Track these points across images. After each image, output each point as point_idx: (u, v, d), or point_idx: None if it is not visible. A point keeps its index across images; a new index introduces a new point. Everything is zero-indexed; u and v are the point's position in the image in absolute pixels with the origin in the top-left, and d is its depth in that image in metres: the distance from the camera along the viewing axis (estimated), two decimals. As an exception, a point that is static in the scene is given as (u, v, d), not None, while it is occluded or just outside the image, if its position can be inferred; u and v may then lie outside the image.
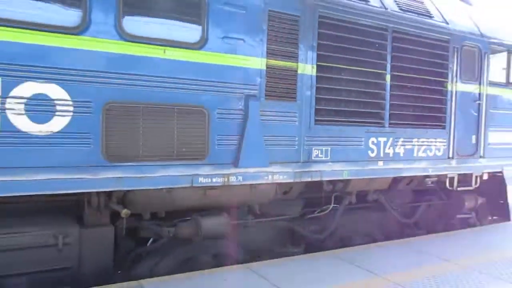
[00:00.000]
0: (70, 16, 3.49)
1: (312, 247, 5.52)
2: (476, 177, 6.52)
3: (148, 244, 4.61)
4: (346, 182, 5.38)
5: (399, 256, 5.05)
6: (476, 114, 6.38)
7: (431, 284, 4.22)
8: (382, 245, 5.54)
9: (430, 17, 5.85)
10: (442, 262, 4.91)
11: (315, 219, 5.64)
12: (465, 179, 6.43)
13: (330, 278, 4.26)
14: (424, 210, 6.66)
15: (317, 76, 4.79)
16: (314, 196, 5.57)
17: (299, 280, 4.17)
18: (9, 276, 3.71)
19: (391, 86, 5.40)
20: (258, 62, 4.41)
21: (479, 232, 6.51)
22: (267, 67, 4.46)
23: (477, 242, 5.84)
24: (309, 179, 4.86)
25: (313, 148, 4.83)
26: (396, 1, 5.60)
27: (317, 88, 4.80)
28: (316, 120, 4.81)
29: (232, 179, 4.32)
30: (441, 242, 5.74)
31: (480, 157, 6.45)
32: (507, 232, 6.58)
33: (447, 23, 6.02)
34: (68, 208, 4.20)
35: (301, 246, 5.54)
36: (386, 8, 5.38)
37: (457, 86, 6.12)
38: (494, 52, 6.62)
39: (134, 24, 3.77)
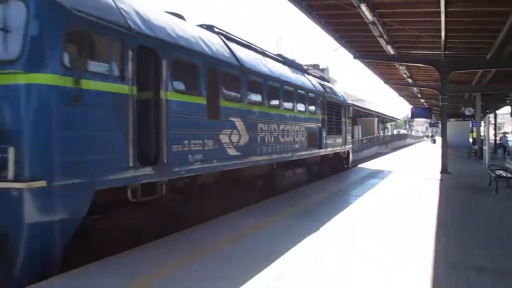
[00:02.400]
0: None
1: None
2: (345, 151, 17.90)
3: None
4: (329, 153, 15.59)
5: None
6: (344, 128, 17.65)
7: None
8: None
9: (336, 94, 16.67)
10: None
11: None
12: (344, 152, 17.69)
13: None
14: (330, 163, 17.44)
15: (327, 119, 14.80)
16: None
17: None
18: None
19: (346, 123, 15.93)
20: (320, 116, 14.12)
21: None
22: (321, 117, 14.21)
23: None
24: (327, 154, 14.91)
25: (326, 142, 14.83)
26: (326, 89, 16.11)
27: (328, 123, 14.81)
28: (327, 133, 14.81)
29: (319, 152, 13.94)
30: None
31: (346, 144, 17.82)
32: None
33: (340, 96, 17.00)
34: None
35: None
36: (340, 95, 15.88)
37: (346, 122, 17.22)
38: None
39: (299, 107, 13.04)
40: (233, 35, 9.74)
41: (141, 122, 5.79)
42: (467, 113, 31.05)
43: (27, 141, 4.46)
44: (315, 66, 72.11)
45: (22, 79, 4.48)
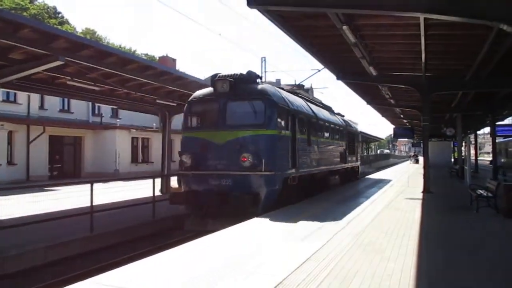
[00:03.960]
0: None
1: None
2: (357, 166, 25.05)
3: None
4: (348, 167, 22.68)
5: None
6: (356, 149, 24.82)
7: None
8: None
9: (351, 126, 23.84)
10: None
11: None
12: (356, 166, 24.82)
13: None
14: (349, 173, 24.45)
15: (348, 143, 21.89)
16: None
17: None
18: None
19: (357, 146, 23.06)
20: (344, 141, 21.21)
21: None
22: (345, 142, 21.30)
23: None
24: (347, 167, 22.04)
25: (347, 159, 21.90)
26: (346, 123, 23.28)
27: (348, 146, 21.91)
28: (348, 153, 21.86)
29: (344, 166, 21.02)
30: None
31: (357, 161, 24.99)
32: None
33: (353, 127, 24.19)
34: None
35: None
36: (348, 126, 23.08)
37: (357, 145, 24.39)
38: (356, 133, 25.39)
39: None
40: (306, 97, 16.87)
41: (291, 148, 12.76)
42: (448, 133, 30.85)
43: (266, 156, 11.35)
44: (300, 87, 78.68)
45: (265, 132, 11.48)
